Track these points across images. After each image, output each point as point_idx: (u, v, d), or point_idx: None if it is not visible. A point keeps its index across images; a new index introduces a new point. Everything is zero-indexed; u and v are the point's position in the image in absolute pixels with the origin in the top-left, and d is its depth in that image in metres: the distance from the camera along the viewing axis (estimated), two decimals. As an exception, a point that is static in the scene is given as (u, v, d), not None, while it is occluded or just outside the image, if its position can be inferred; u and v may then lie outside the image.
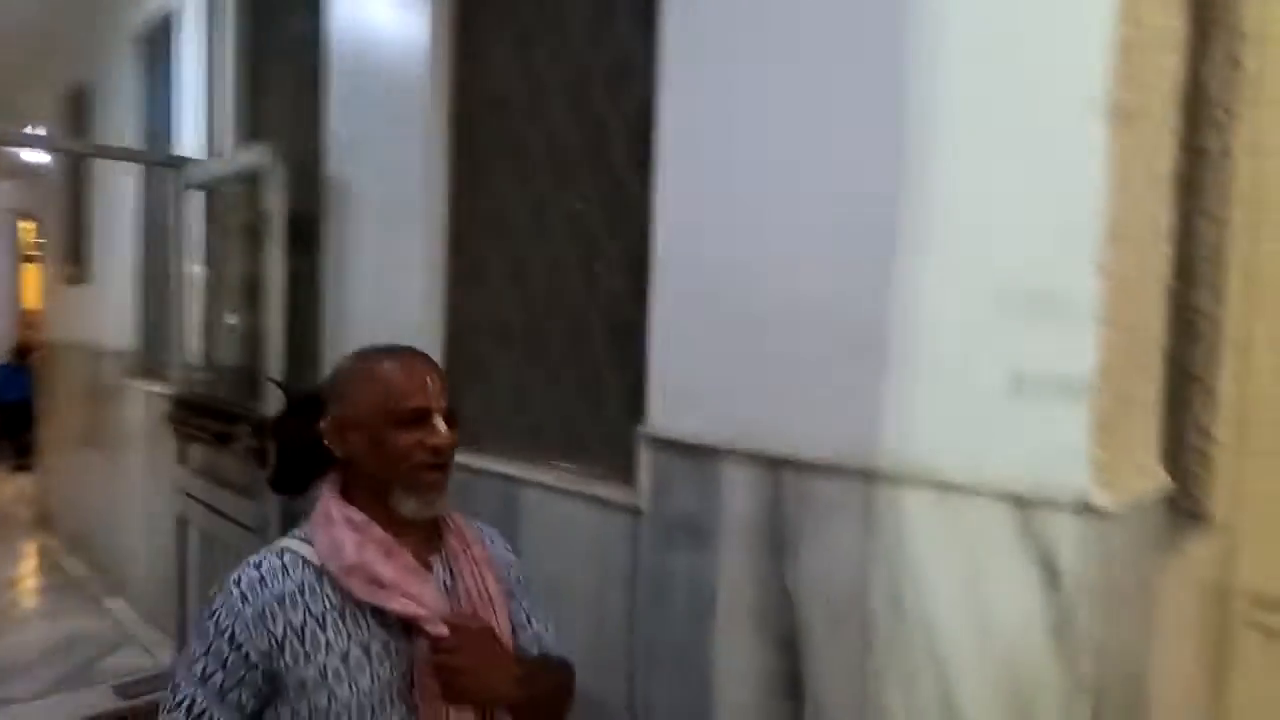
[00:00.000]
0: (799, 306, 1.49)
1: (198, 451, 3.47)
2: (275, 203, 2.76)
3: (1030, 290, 1.21)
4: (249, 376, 3.04)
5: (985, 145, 1.26)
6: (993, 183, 1.25)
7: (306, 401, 1.21)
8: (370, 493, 1.14)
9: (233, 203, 3.65)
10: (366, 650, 1.08)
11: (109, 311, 4.92)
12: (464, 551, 1.21)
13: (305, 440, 1.18)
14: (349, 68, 2.74)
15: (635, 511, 1.78)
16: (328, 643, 1.07)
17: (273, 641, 1.06)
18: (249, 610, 1.07)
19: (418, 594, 1.09)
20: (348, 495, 1.15)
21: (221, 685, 1.06)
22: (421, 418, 1.12)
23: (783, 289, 1.51)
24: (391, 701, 1.08)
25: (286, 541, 1.15)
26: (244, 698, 1.07)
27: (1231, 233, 1.54)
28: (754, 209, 1.56)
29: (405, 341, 1.23)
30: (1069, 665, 1.17)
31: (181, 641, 3.56)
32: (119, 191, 4.78)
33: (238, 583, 1.09)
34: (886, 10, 1.36)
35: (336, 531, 1.10)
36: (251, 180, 2.93)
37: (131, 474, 4.54)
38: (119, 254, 4.82)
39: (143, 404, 4.44)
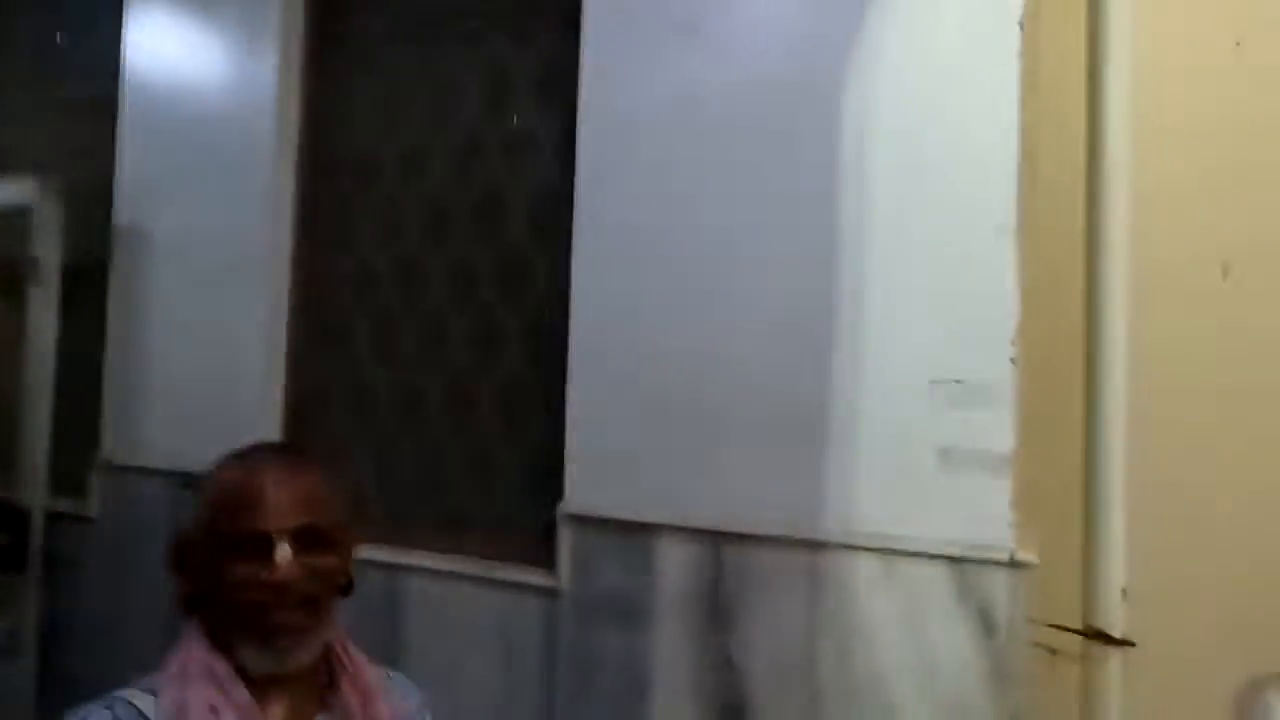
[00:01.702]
0: (737, 389, 1.59)
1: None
2: (47, 248, 2.32)
3: (954, 378, 1.43)
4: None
5: (912, 253, 1.48)
6: (918, 286, 1.47)
7: None
8: (219, 640, 0.92)
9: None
10: None
11: None
12: (363, 711, 0.96)
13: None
14: (153, 102, 2.42)
15: (551, 593, 1.75)
16: None
17: None
18: None
19: None
20: (212, 638, 0.92)
21: None
22: (260, 542, 0.89)
23: (720, 373, 1.61)
24: None
25: (124, 692, 0.91)
26: None
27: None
28: (686, 296, 1.65)
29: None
30: (1008, 704, 1.36)
31: None
32: None
33: None
34: (820, 121, 1.54)
35: (188, 689, 0.88)
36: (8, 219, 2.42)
37: None
38: None
39: None
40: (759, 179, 1.60)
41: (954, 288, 1.44)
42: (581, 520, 1.72)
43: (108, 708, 0.89)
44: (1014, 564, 1.37)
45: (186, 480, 1.05)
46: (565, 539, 1.73)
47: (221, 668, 0.90)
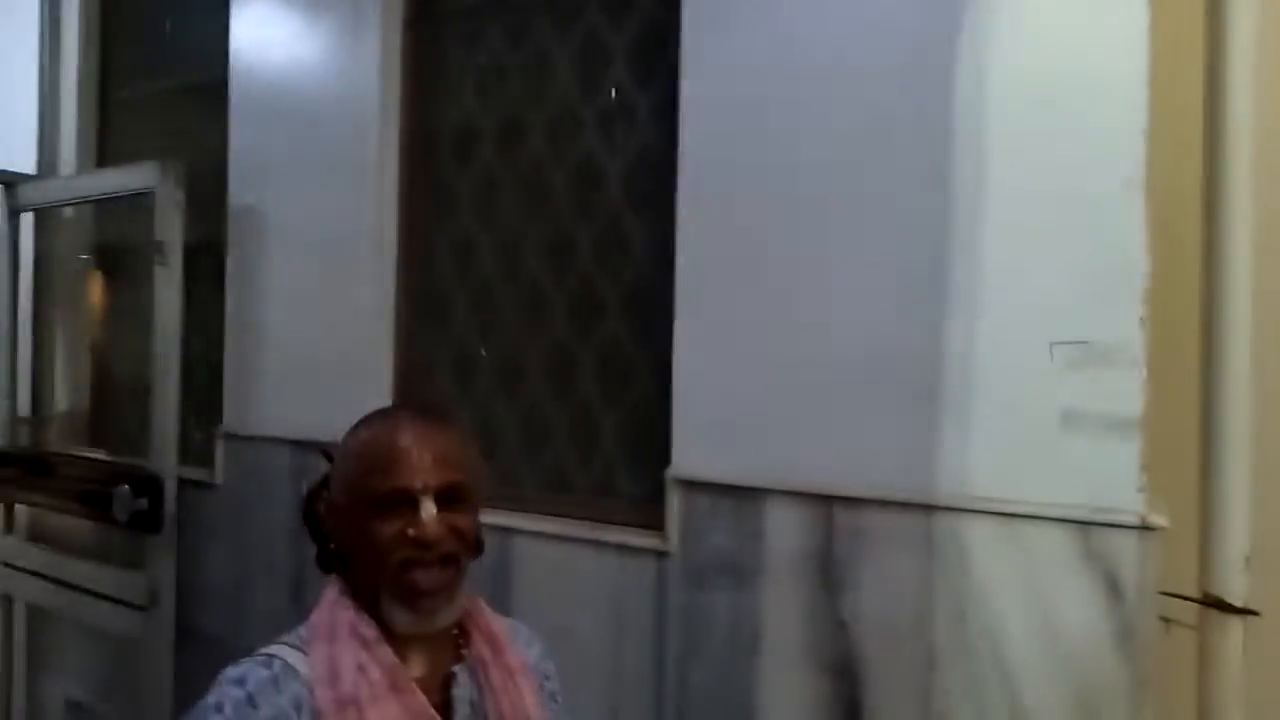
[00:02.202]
0: (847, 351, 1.59)
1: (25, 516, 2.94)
2: (171, 230, 2.45)
3: (1078, 339, 1.40)
4: (124, 426, 2.64)
5: (1032, 210, 1.44)
6: (1039, 244, 1.43)
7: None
8: (366, 599, 0.95)
9: (81, 228, 3.19)
10: None
11: None
12: (495, 660, 1.00)
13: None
14: (260, 85, 2.51)
15: (660, 555, 1.78)
16: None
17: None
18: None
19: None
20: (354, 596, 0.96)
21: None
22: (402, 501, 0.91)
23: (829, 336, 1.61)
24: None
25: (276, 649, 0.95)
26: None
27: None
28: (793, 259, 1.65)
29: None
30: (1133, 665, 1.34)
31: (5, 745, 2.97)
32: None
33: (219, 709, 0.87)
34: (934, 74, 1.51)
35: (338, 649, 0.91)
36: (128, 205, 2.57)
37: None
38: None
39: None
40: (868, 137, 1.58)
41: (1078, 245, 1.40)
42: (689, 485, 1.75)
43: (265, 665, 0.92)
44: (1144, 527, 1.34)
45: (319, 447, 1.10)
46: (673, 503, 1.77)
47: (368, 629, 0.93)
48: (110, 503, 2.44)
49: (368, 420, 1.00)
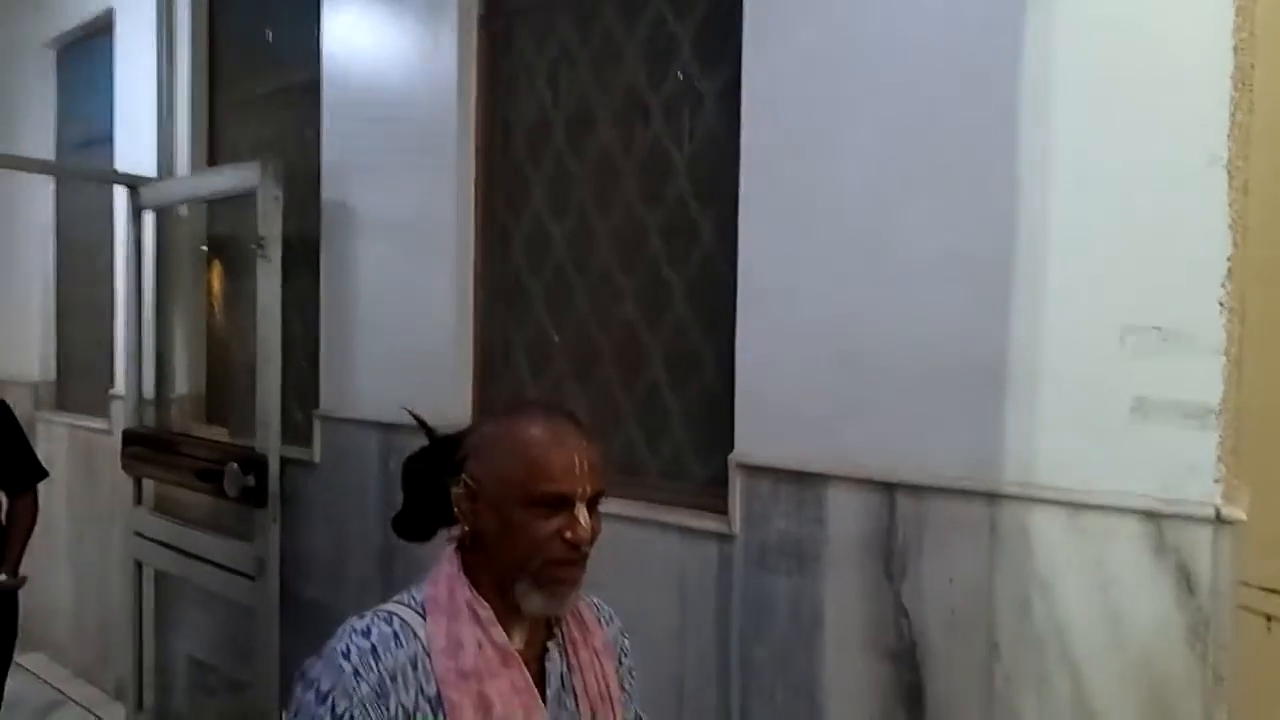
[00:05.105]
0: (909, 337, 1.57)
1: (152, 491, 3.22)
2: (271, 225, 2.62)
3: (1152, 324, 1.34)
4: (237, 407, 2.85)
5: (1102, 189, 1.38)
6: (1111, 225, 1.38)
7: (445, 444, 1.08)
8: (492, 578, 1.01)
9: (196, 224, 3.44)
10: None
11: (13, 339, 4.47)
12: (584, 640, 1.08)
13: (434, 488, 1.06)
14: (351, 88, 2.65)
15: (725, 538, 1.82)
16: None
17: None
18: (364, 688, 0.93)
19: None
20: (470, 573, 1.02)
21: None
22: (564, 504, 0.98)
23: (891, 322, 1.59)
24: None
25: (394, 607, 1.02)
26: None
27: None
28: (855, 244, 1.64)
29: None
30: (1207, 663, 1.29)
31: (139, 696, 3.28)
32: (23, 208, 4.37)
33: (346, 654, 0.94)
34: (1000, 48, 1.47)
35: (459, 625, 0.98)
36: (227, 201, 2.76)
37: (51, 516, 4.13)
38: (24, 275, 4.40)
39: (64, 440, 4.07)
40: (931, 119, 1.55)
41: (1153, 227, 1.34)
42: (752, 470, 1.77)
43: (386, 621, 0.99)
44: (1220, 520, 1.28)
45: (416, 418, 1.17)
46: (737, 487, 1.79)
47: (483, 609, 1.00)
48: (222, 479, 2.65)
49: (525, 416, 1.04)
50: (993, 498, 1.48)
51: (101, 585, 3.83)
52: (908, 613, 1.57)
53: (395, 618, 0.99)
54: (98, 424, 3.81)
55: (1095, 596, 1.38)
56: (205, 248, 3.46)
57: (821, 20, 1.68)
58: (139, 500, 3.24)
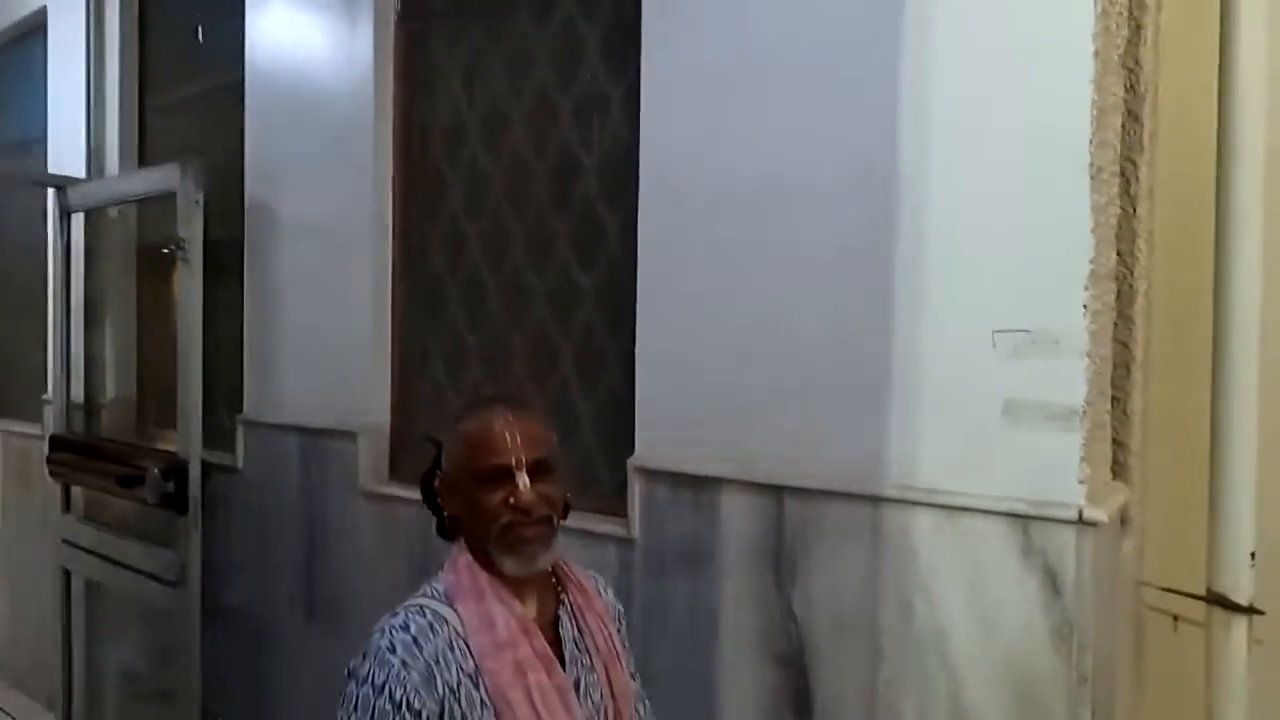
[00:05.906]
0: (798, 343, 1.58)
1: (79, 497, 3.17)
2: (191, 227, 2.59)
3: (1021, 328, 1.35)
4: (157, 411, 2.81)
5: (975, 197, 1.40)
6: (982, 232, 1.39)
7: (439, 452, 1.21)
8: (483, 555, 1.13)
9: (127, 227, 3.39)
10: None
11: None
12: (587, 605, 1.20)
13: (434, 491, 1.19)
14: (274, 89, 2.62)
15: (625, 542, 1.81)
16: (481, 701, 1.06)
17: (439, 704, 1.04)
18: (414, 674, 1.04)
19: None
20: (475, 557, 1.14)
21: None
22: (503, 475, 1.10)
23: (781, 328, 1.60)
24: None
25: (421, 600, 1.13)
26: None
27: (1140, 270, 1.76)
28: (747, 250, 1.64)
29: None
30: (1071, 663, 1.30)
31: (67, 707, 3.22)
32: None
33: (392, 649, 1.05)
34: (880, 58, 1.48)
35: (486, 604, 1.10)
36: (157, 202, 2.72)
37: (-20, 524, 4.06)
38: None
39: (-11, 445, 3.99)
40: (818, 127, 1.56)
41: (1021, 233, 1.35)
42: (650, 473, 1.77)
43: (419, 614, 1.09)
44: (1082, 522, 1.29)
45: (426, 437, 1.24)
46: (636, 491, 1.79)
47: (501, 588, 1.11)
48: (144, 485, 2.61)
49: (470, 409, 1.18)
50: (876, 501, 1.48)
51: (35, 594, 3.76)
52: (796, 617, 1.58)
53: (426, 610, 1.10)
54: (32, 429, 3.74)
55: (970, 599, 1.39)
56: (133, 252, 3.41)
57: (712, 26, 1.68)
58: (67, 507, 3.19)
